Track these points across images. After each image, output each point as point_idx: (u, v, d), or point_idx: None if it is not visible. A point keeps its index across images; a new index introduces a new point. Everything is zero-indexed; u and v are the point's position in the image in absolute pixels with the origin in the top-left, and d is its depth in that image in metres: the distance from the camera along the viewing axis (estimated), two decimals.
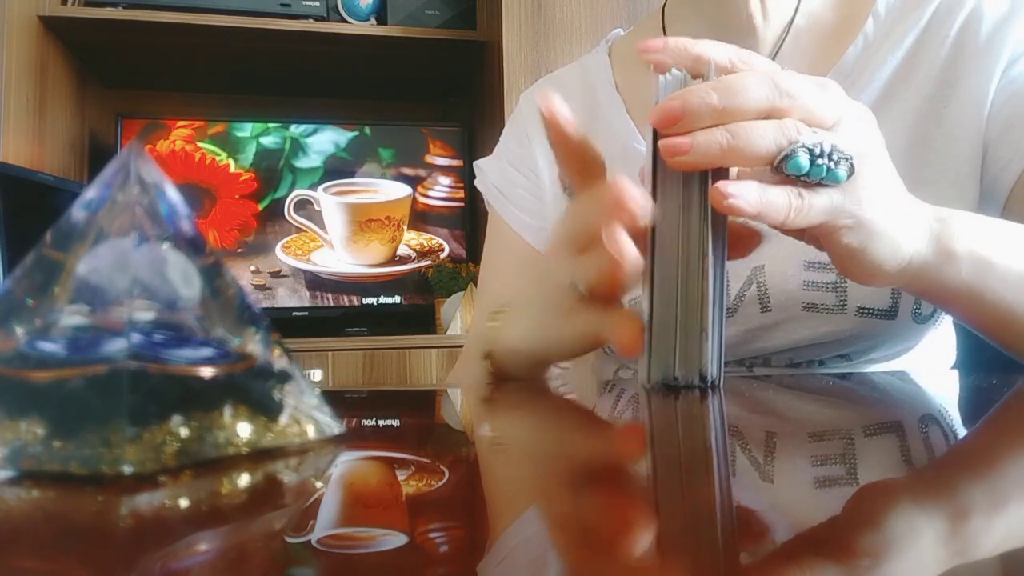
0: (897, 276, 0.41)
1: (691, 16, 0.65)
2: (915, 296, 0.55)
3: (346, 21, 1.93)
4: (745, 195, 0.35)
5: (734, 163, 0.37)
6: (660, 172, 0.37)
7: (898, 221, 0.39)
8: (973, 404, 0.41)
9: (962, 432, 0.32)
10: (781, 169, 0.35)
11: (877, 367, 0.59)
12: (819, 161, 0.35)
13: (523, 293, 0.48)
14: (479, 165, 0.77)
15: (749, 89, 0.35)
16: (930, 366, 0.62)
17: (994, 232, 0.45)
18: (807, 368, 0.59)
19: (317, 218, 2.03)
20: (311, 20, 1.89)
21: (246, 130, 2.01)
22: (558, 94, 0.40)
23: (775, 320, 0.58)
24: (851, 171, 0.36)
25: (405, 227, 2.08)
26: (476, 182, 0.77)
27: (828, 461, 0.24)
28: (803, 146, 0.35)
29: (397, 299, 2.06)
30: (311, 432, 0.27)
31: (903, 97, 0.58)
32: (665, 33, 0.68)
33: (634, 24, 0.78)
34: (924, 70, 0.58)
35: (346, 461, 0.26)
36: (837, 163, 0.36)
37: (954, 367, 0.66)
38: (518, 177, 0.72)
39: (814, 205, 0.36)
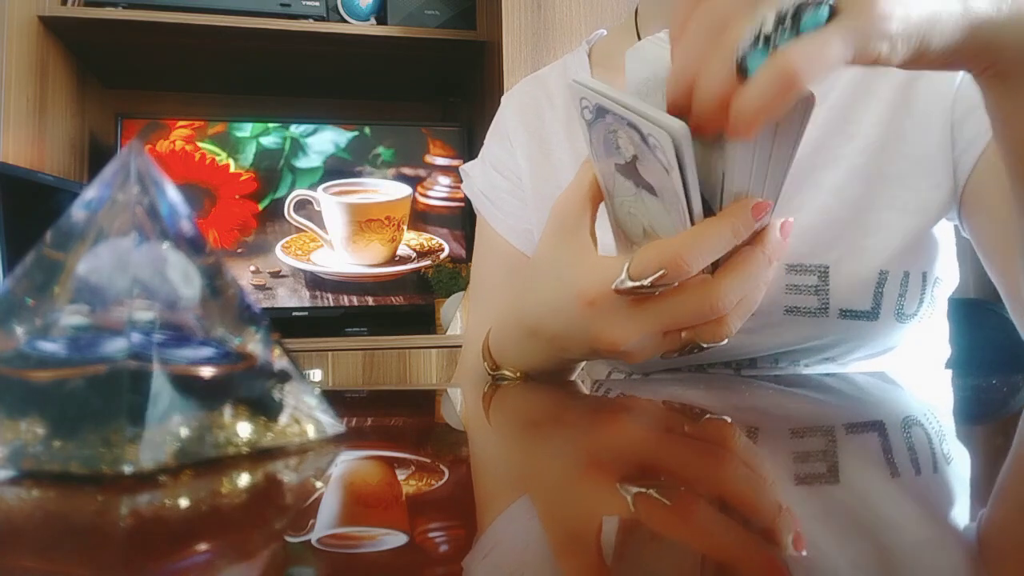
0: (961, 41, 0.35)
1: (661, 16, 0.67)
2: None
3: (346, 21, 1.93)
4: (742, 108, 0.32)
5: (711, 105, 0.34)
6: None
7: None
8: (950, 402, 0.41)
9: (936, 431, 0.32)
10: (745, 73, 0.32)
11: (862, 365, 0.59)
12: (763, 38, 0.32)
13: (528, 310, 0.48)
14: (465, 170, 0.77)
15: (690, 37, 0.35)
16: (919, 364, 0.61)
17: None
18: (792, 369, 0.59)
19: (317, 218, 2.03)
20: (311, 20, 1.89)
21: (246, 130, 2.01)
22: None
23: (757, 325, 0.57)
24: (831, 11, 0.31)
25: (405, 227, 2.08)
26: (463, 186, 0.77)
27: (806, 459, 0.24)
28: (746, 43, 0.32)
29: (397, 299, 2.06)
30: (311, 432, 0.27)
31: (874, 88, 0.59)
32: (639, 35, 0.69)
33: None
34: None
35: (346, 461, 0.26)
36: (797, 19, 0.31)
37: (948, 365, 0.66)
38: (501, 180, 0.73)
39: (818, 55, 0.31)
